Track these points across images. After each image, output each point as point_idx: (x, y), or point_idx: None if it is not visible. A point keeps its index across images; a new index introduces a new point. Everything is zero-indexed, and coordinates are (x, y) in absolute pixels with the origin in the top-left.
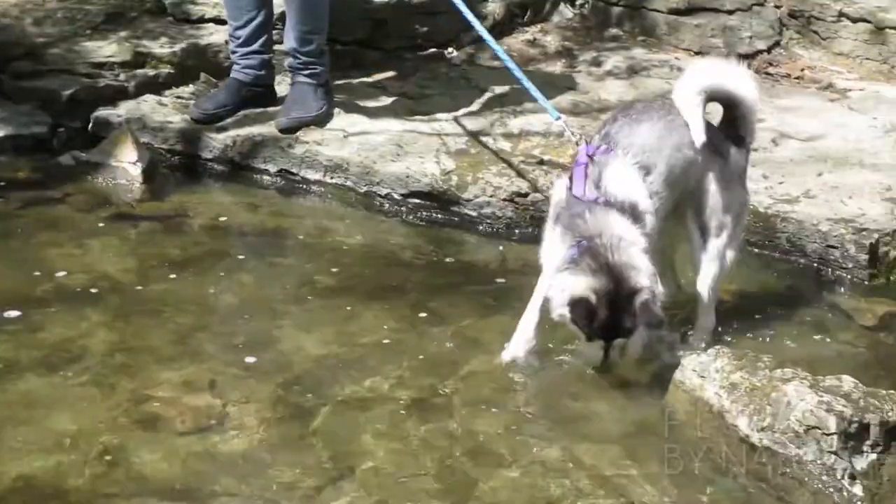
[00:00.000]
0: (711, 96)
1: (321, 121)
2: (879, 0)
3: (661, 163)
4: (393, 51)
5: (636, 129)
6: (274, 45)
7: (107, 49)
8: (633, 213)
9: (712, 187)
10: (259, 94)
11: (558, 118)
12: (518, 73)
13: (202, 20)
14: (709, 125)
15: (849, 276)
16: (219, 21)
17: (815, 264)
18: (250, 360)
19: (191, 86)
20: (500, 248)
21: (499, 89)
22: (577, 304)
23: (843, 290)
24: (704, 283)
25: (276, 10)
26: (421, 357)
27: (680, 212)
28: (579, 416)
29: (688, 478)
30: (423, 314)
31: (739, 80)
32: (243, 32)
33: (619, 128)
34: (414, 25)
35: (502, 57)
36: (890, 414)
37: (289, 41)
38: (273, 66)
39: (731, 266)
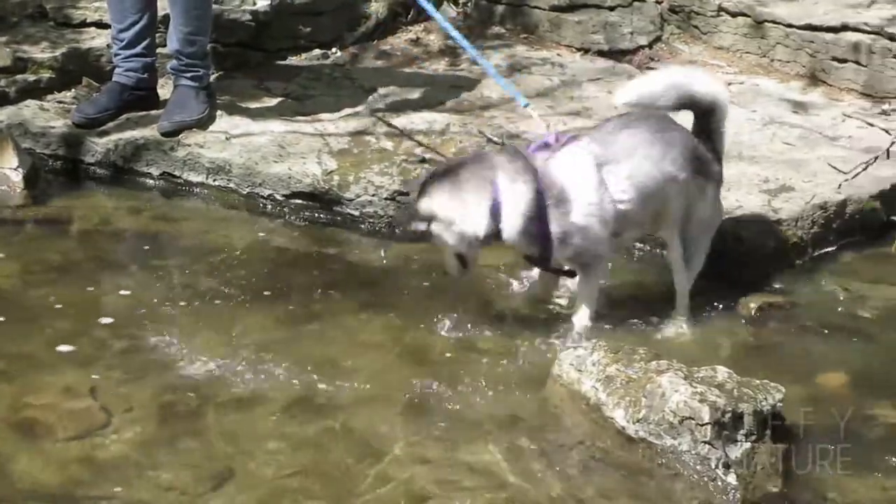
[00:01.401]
0: (682, 101)
1: (204, 123)
2: None
3: (627, 165)
4: (276, 52)
5: (617, 130)
6: (157, 48)
7: None
8: (558, 196)
9: (700, 206)
10: (141, 98)
11: (527, 105)
12: (481, 60)
13: (84, 24)
14: (696, 139)
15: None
16: (101, 25)
17: None
18: (131, 364)
19: (73, 90)
20: (383, 247)
21: (382, 89)
22: None
23: (719, 281)
24: (683, 285)
25: (160, 12)
26: (303, 356)
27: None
28: (459, 411)
29: (566, 471)
30: (305, 314)
31: (714, 86)
32: (126, 35)
33: (604, 126)
34: (297, 26)
35: (463, 43)
36: (763, 403)
37: (172, 43)
38: (156, 70)
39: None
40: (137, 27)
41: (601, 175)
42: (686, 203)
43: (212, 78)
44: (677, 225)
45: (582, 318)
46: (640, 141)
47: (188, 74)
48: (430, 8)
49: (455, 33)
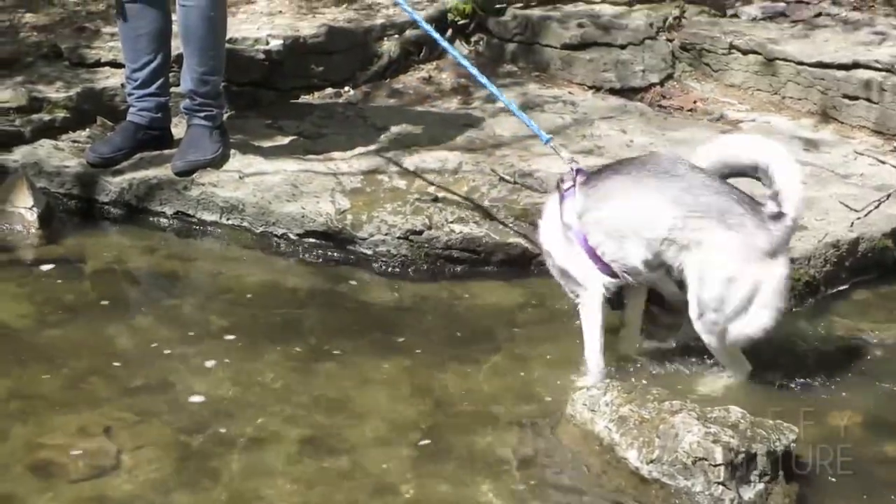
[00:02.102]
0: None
1: (217, 163)
2: (769, 32)
3: (598, 212)
4: (289, 91)
5: (615, 171)
6: (170, 88)
7: (2, 95)
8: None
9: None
10: (155, 137)
11: (548, 141)
12: (501, 97)
13: (98, 64)
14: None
15: None
16: (115, 65)
17: None
18: (145, 404)
19: (87, 130)
20: (396, 286)
21: (394, 128)
22: None
23: None
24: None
25: (174, 52)
26: (317, 396)
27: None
28: (471, 451)
29: None
30: (318, 354)
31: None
32: (140, 75)
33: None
34: (310, 65)
35: (482, 80)
36: (776, 443)
37: (185, 83)
38: (169, 109)
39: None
40: (151, 67)
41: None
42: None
43: (225, 117)
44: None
45: (588, 356)
46: (621, 186)
47: (202, 114)
48: (448, 46)
49: (474, 70)
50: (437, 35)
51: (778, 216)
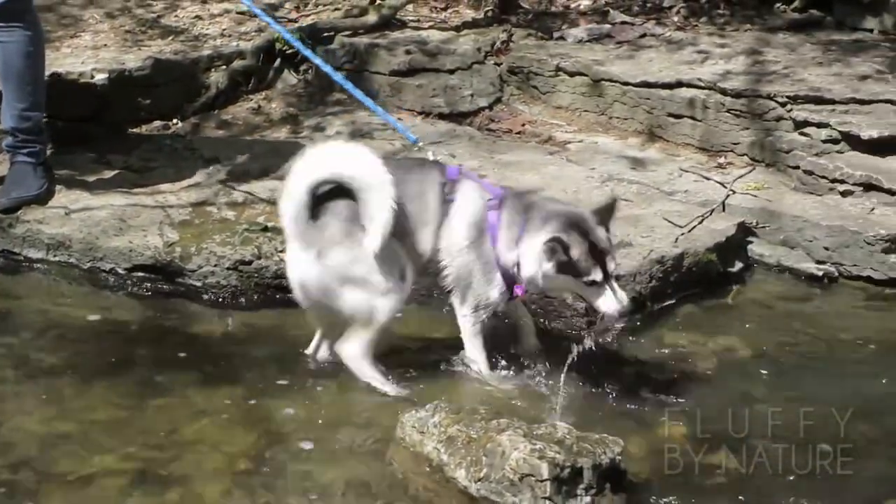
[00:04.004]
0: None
1: (42, 199)
2: (595, 54)
3: None
4: (116, 124)
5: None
6: None
7: None
8: None
9: None
10: None
11: (416, 141)
12: (368, 102)
13: None
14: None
15: (567, 325)
16: None
17: (537, 315)
18: None
19: None
20: (227, 316)
21: (224, 159)
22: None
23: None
24: None
25: None
26: (147, 429)
27: None
28: (302, 477)
29: None
30: (150, 387)
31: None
32: None
33: None
34: (136, 98)
35: (348, 87)
36: (602, 457)
37: (6, 120)
38: None
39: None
40: None
41: None
42: None
43: (49, 153)
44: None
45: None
46: None
47: (24, 150)
48: (310, 54)
49: (349, 85)
50: (296, 40)
51: None
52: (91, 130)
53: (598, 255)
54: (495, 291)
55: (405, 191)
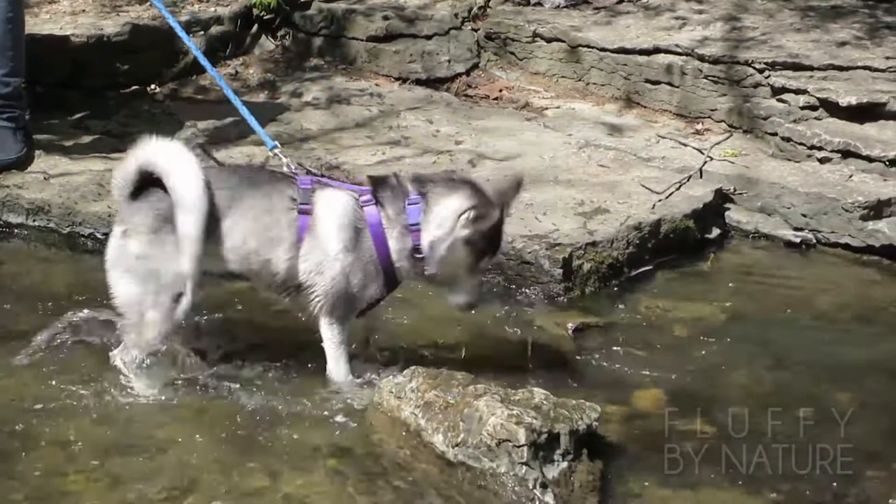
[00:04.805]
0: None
1: (22, 164)
2: (572, 20)
3: None
4: (94, 90)
5: None
6: None
7: None
8: None
9: None
10: None
11: (273, 147)
12: (235, 100)
13: None
14: None
15: (544, 291)
16: None
17: (513, 280)
18: None
19: None
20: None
21: (201, 124)
22: None
23: (540, 304)
24: None
25: None
26: None
27: None
28: (281, 442)
29: (389, 499)
30: None
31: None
32: None
33: None
34: (115, 63)
35: (221, 84)
36: (579, 423)
37: None
38: None
39: None
40: None
41: None
42: None
43: (27, 118)
44: None
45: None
46: None
47: (4, 115)
48: (191, 42)
49: (204, 60)
50: (185, 35)
51: None
52: (69, 96)
53: (499, 238)
54: (377, 290)
55: (249, 206)
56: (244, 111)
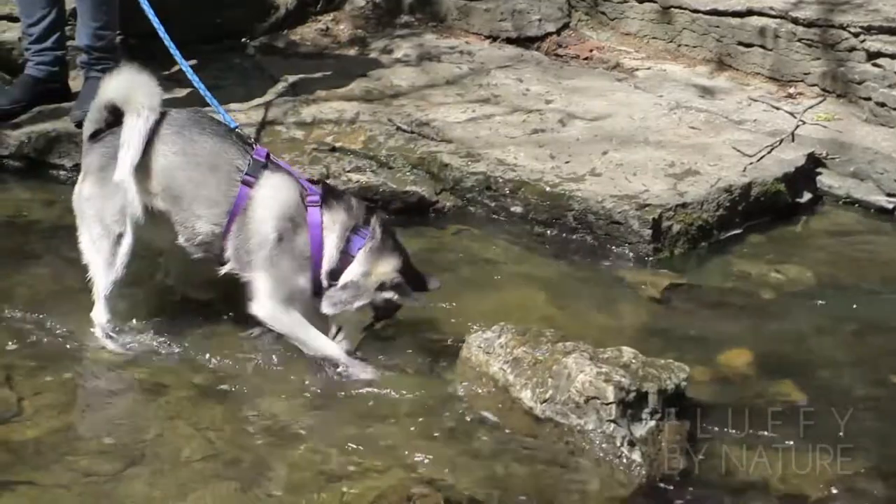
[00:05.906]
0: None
1: None
2: None
3: None
4: (186, 43)
5: None
6: (67, 42)
7: None
8: None
9: None
10: (53, 91)
11: (236, 127)
12: (192, 76)
13: None
14: None
15: (633, 251)
16: (12, 18)
17: (602, 240)
18: (44, 352)
19: None
20: None
21: (292, 79)
22: None
23: (628, 264)
24: None
25: (69, 6)
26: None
27: None
28: (370, 396)
29: (475, 452)
30: None
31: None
32: (36, 30)
33: None
34: (206, 16)
35: (179, 61)
36: (668, 382)
37: (81, 38)
38: (67, 63)
39: None
40: (46, 22)
41: None
42: None
43: None
44: None
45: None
46: None
47: (98, 67)
48: (170, 43)
49: (182, 60)
50: (164, 34)
51: None
52: (160, 48)
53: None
54: (303, 281)
55: (193, 151)
56: (208, 94)
